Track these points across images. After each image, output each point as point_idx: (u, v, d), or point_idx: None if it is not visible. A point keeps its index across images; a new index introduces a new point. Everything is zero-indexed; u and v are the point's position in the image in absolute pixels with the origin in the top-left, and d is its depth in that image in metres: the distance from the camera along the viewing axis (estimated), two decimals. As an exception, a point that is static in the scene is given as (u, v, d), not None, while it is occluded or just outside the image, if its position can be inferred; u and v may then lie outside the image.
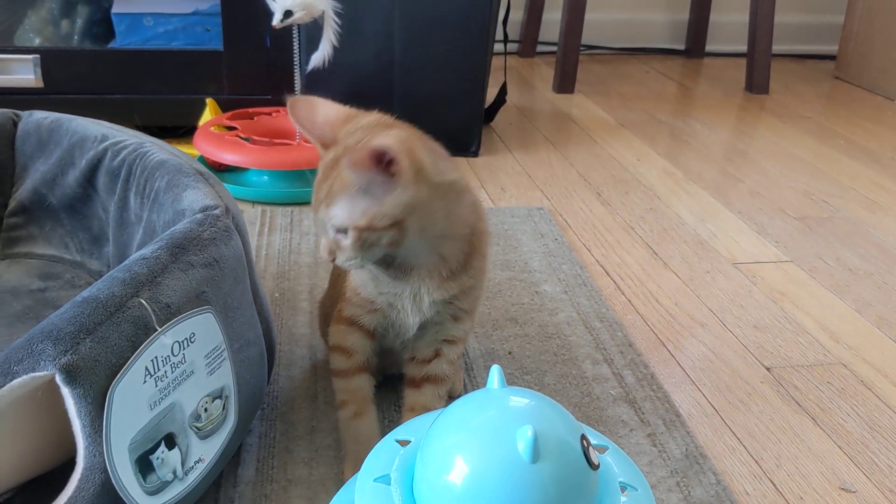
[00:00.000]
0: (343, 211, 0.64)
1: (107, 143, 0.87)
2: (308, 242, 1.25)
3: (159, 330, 0.60)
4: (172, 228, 0.68)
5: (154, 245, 0.65)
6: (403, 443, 0.57)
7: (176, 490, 0.63)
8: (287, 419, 0.85)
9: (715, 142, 1.88)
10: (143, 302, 0.60)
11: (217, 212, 0.72)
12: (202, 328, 0.64)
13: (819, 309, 1.16)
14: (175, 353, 0.62)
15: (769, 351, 1.04)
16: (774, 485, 0.82)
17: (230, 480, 0.77)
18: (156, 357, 0.60)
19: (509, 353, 1.00)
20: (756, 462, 0.85)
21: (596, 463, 0.51)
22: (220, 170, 1.46)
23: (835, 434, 0.90)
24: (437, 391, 0.77)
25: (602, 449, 0.59)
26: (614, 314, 1.10)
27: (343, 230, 0.65)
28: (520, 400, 0.53)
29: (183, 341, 0.63)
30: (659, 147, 1.82)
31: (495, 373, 0.55)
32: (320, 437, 0.83)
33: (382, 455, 0.55)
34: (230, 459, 0.78)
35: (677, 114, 2.10)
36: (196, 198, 0.75)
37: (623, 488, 0.53)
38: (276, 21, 1.29)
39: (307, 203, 1.39)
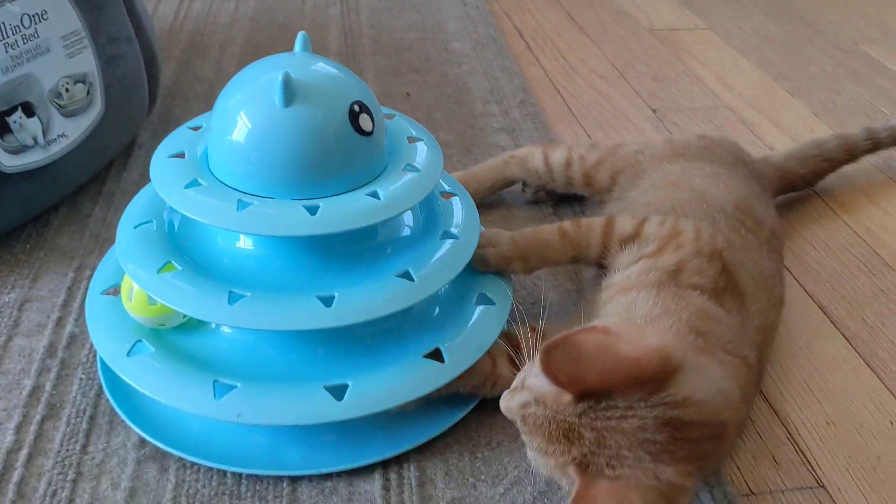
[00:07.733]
0: None
1: None
2: (228, 7, 1.27)
3: (5, -2, 0.64)
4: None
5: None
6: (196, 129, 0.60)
7: (38, 156, 0.69)
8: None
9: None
10: (-11, -28, 0.64)
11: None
12: (54, 7, 0.68)
13: (721, 65, 1.18)
14: (26, 25, 0.66)
15: (660, 97, 1.08)
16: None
17: (114, 179, 0.83)
18: (3, 22, 0.64)
19: (407, 94, 1.04)
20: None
21: (367, 130, 0.54)
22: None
23: (701, 160, 0.95)
24: None
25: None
26: (518, 67, 1.13)
27: None
28: (307, 60, 0.55)
29: (34, 16, 0.67)
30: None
31: (300, 39, 0.57)
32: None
33: (176, 138, 0.59)
34: (118, 163, 0.84)
35: None
36: None
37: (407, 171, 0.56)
38: None
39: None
